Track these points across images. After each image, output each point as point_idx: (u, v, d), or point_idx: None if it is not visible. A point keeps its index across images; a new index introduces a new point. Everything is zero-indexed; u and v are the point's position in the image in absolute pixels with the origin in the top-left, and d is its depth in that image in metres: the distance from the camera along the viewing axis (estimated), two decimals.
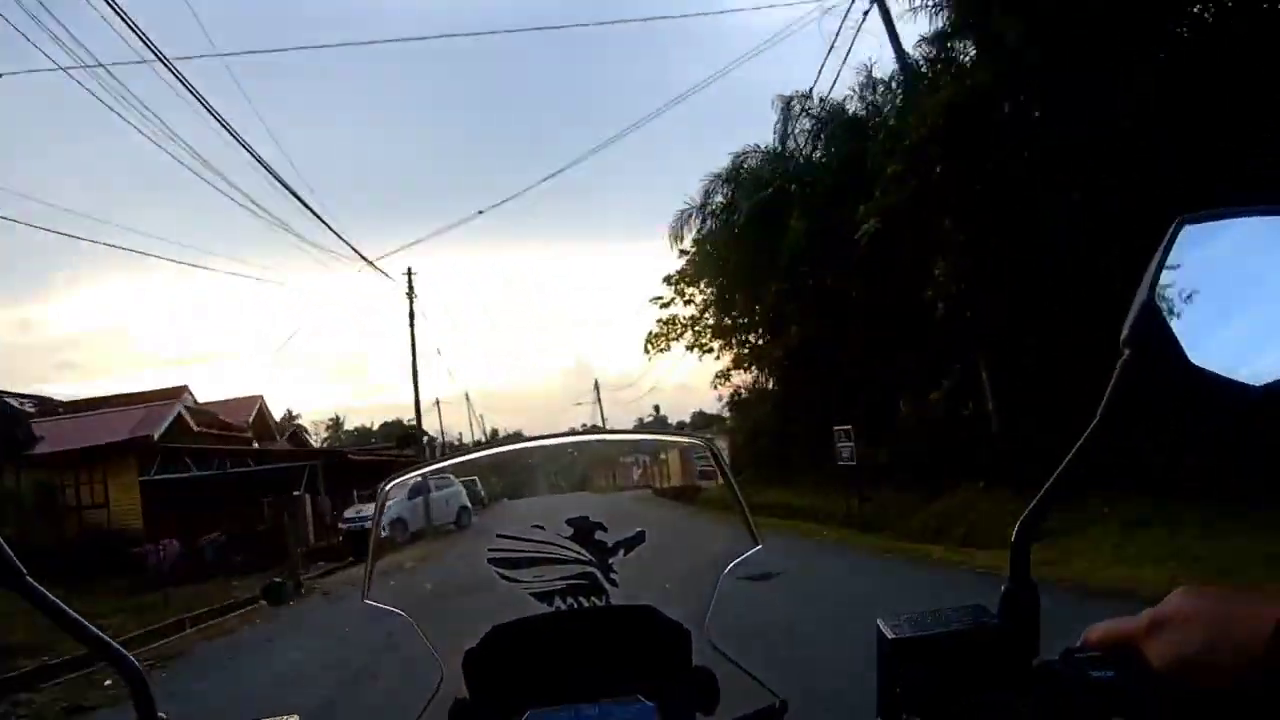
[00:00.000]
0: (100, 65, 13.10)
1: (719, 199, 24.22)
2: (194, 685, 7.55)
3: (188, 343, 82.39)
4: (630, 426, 58.69)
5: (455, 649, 0.98)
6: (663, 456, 2.07)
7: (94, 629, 0.70)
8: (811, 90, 21.01)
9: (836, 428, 16.79)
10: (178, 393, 25.94)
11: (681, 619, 1.00)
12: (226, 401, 31.75)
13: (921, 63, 16.43)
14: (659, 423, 62.20)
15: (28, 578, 0.68)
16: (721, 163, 23.85)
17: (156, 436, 21.41)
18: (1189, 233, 0.60)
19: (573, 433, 2.58)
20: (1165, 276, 0.59)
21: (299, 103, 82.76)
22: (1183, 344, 0.58)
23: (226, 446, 25.61)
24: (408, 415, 56.80)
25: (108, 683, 7.27)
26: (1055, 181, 12.22)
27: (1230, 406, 0.59)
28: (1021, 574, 0.66)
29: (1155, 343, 0.59)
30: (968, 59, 14.97)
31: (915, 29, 25.21)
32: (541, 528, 1.01)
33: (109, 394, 26.44)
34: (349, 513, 22.73)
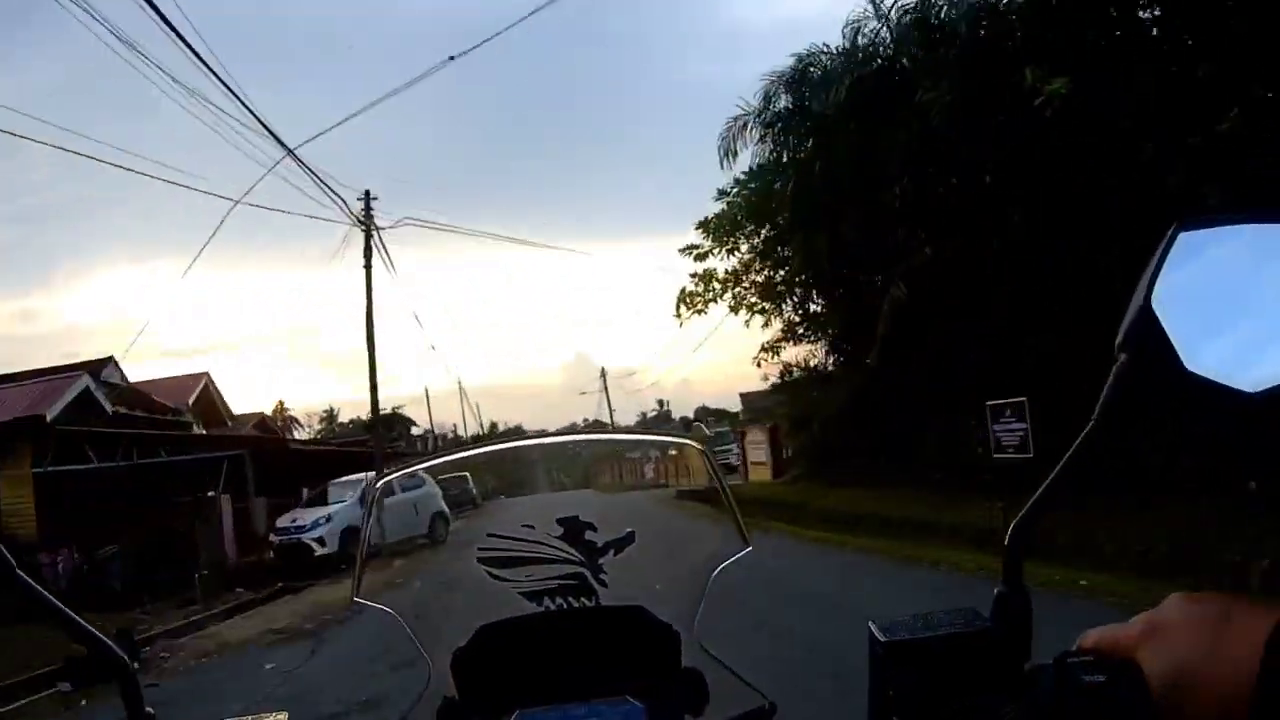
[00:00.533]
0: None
1: (783, 104, 17.91)
2: None
3: (195, 336, 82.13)
4: (633, 420, 58.38)
5: (444, 648, 0.98)
6: (656, 455, 2.07)
7: (84, 624, 0.70)
8: None
9: (993, 403, 11.49)
10: (96, 367, 21.37)
11: (671, 620, 0.99)
12: (160, 380, 26.74)
13: None
14: (663, 416, 62.03)
15: (19, 572, 0.67)
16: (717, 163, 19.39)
17: (50, 418, 16.72)
18: (1185, 240, 0.61)
19: (568, 431, 2.58)
20: (1161, 283, 0.60)
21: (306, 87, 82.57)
22: (1178, 349, 0.58)
23: (148, 432, 19.97)
24: (410, 407, 55.41)
25: None
26: None
27: (1225, 412, 0.59)
28: (1014, 578, 0.67)
29: (1151, 347, 0.59)
30: None
31: None
32: (532, 527, 1.01)
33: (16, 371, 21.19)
34: (283, 520, 18.60)
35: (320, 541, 17.69)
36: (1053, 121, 10.80)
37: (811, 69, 17.41)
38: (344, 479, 19.94)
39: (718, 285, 24.62)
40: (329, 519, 18.11)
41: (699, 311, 25.30)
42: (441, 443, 46.44)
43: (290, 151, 16.79)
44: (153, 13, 11.73)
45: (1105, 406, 0.62)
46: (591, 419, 57.31)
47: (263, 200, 29.00)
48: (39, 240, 61.91)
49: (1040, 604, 0.66)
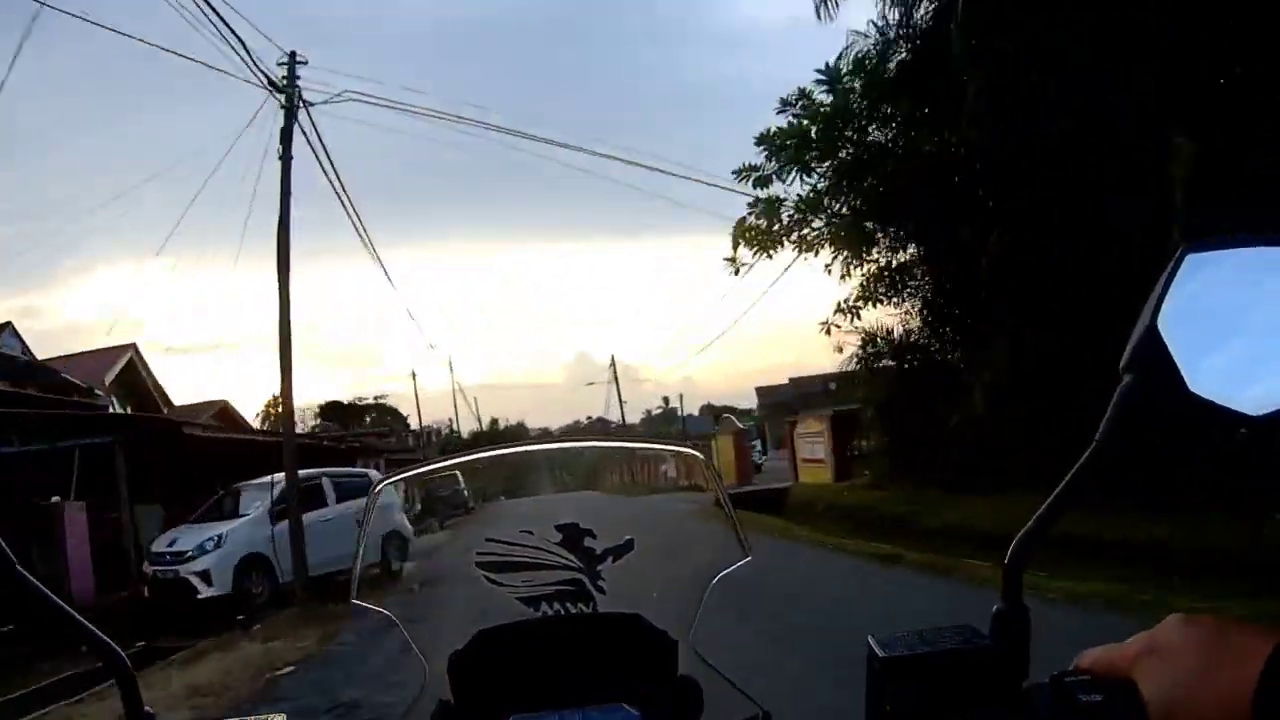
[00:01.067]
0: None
1: None
2: None
3: (196, 332, 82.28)
4: (639, 418, 57.55)
5: (440, 652, 0.98)
6: (656, 462, 2.06)
7: (84, 622, 0.70)
8: None
9: None
10: None
11: (668, 628, 1.00)
12: (79, 355, 22.16)
13: None
14: (668, 415, 61.49)
15: (19, 568, 0.67)
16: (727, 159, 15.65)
17: None
18: (1192, 261, 0.61)
19: (567, 437, 2.59)
20: (1168, 304, 0.60)
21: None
22: (1182, 371, 0.58)
23: (31, 411, 14.17)
24: (412, 403, 53.24)
25: None
26: None
27: (1228, 433, 0.59)
28: (1014, 596, 0.67)
29: (1156, 369, 0.59)
30: None
31: None
32: (530, 533, 1.02)
33: None
34: (159, 544, 12.99)
35: (204, 577, 11.97)
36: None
37: None
38: (256, 481, 13.82)
39: (792, 213, 17.42)
40: (219, 541, 12.36)
41: (766, 251, 18.03)
42: (435, 439, 45.75)
43: None
44: None
45: (1109, 426, 0.62)
46: (595, 417, 56.87)
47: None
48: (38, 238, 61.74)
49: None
